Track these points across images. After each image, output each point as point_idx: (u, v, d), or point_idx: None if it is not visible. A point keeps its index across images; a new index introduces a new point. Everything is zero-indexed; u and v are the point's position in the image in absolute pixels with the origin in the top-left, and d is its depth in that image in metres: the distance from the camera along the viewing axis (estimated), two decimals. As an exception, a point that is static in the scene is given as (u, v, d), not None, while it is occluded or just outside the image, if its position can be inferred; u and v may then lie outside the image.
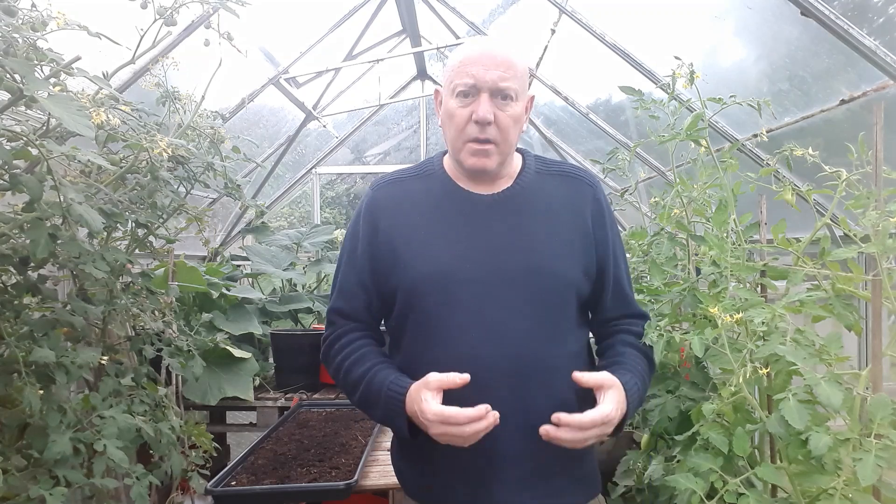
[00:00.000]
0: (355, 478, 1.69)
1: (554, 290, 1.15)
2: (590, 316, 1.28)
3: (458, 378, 1.04)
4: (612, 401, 1.05)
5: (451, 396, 1.05)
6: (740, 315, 1.08)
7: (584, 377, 1.08)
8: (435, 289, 1.13)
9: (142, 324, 1.77)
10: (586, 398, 1.10)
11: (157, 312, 1.86)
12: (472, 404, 1.02)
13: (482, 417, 1.00)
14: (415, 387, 1.07)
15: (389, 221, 1.19)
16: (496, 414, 1.01)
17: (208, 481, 1.72)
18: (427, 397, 1.03)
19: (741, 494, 1.07)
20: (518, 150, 1.27)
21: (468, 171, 1.18)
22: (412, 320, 1.17)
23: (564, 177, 1.23)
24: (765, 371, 1.06)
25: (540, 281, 1.13)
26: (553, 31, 3.39)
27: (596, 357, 1.30)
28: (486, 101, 1.11)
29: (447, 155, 1.25)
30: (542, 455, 1.11)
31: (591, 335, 1.30)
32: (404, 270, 1.15)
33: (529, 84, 1.23)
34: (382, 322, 1.29)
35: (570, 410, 1.05)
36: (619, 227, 1.35)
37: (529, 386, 1.11)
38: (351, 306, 1.23)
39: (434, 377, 1.05)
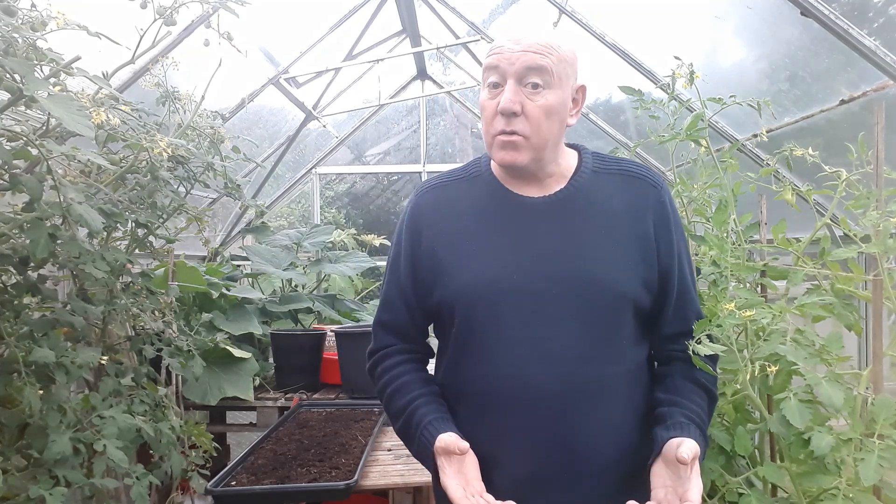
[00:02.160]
0: (355, 478, 1.69)
1: (608, 303, 1.02)
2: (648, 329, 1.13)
3: (458, 448, 0.97)
4: (696, 483, 0.89)
5: (490, 420, 1.03)
6: (752, 312, 1.06)
7: (685, 455, 0.89)
8: (478, 301, 1.04)
9: (142, 324, 1.77)
10: (643, 423, 1.04)
11: (157, 312, 1.86)
12: (511, 430, 1.02)
13: None
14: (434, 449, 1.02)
15: (433, 229, 1.11)
16: None
17: (208, 481, 1.72)
18: (441, 463, 1.00)
19: (742, 494, 1.07)
20: (573, 146, 1.15)
21: (502, 168, 1.08)
22: (455, 335, 1.09)
23: (625, 176, 1.09)
24: (773, 370, 1.04)
25: (593, 292, 1.02)
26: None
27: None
28: (511, 89, 0.99)
29: None
30: (587, 483, 1.02)
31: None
32: (447, 282, 1.07)
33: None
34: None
35: (623, 436, 1.02)
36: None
37: (579, 409, 1.01)
38: (394, 320, 1.16)
39: (439, 445, 1.00)
